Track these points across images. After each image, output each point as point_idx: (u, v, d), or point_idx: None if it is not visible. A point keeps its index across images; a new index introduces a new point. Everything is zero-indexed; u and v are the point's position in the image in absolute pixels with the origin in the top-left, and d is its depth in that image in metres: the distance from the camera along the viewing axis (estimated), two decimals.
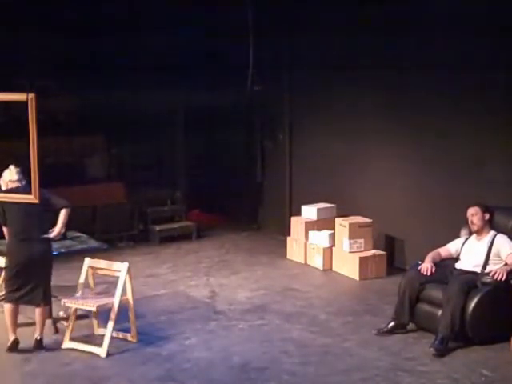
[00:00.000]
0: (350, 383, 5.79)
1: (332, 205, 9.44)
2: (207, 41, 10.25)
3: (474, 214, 6.73)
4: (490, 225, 6.79)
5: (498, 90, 7.46)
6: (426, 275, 6.67)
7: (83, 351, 6.35)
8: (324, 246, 9.02)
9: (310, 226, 9.32)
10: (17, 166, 6.45)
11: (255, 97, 10.71)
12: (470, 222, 6.77)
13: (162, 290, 8.22)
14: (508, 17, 7.23)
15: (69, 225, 6.94)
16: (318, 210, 9.37)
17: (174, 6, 10.05)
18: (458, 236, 7.05)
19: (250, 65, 10.30)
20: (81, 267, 6.68)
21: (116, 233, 10.30)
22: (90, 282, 6.72)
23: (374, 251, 8.73)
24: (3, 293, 6.65)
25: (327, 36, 9.18)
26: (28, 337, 6.43)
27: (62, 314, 6.99)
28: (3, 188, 6.47)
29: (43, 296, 6.39)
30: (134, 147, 10.88)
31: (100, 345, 6.31)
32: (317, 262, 9.08)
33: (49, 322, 6.71)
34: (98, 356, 6.25)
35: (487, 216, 6.77)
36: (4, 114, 9.84)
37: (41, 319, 6.38)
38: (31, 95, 4.18)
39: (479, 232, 6.76)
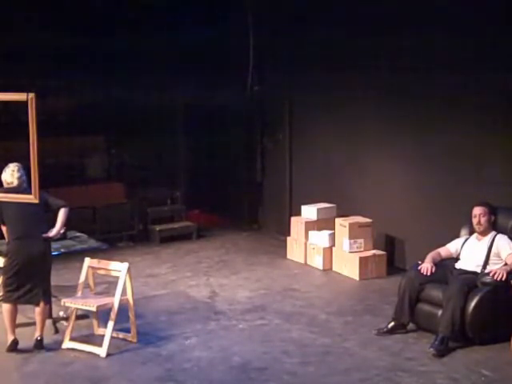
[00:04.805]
0: (350, 383, 5.79)
1: (332, 205, 9.44)
2: (207, 40, 10.24)
3: (483, 215, 6.71)
4: (493, 226, 6.79)
5: (498, 90, 7.45)
6: (426, 275, 6.67)
7: (83, 351, 6.35)
8: (324, 245, 9.02)
9: (310, 225, 9.32)
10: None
11: (255, 97, 10.71)
12: (476, 222, 6.74)
13: (162, 290, 8.22)
14: (508, 16, 7.23)
15: (68, 225, 6.95)
16: (318, 209, 9.37)
17: (174, 6, 10.06)
18: (458, 236, 7.06)
19: (249, 65, 10.31)
20: (81, 267, 6.67)
21: (116, 233, 10.30)
22: (90, 282, 6.72)
23: (373, 251, 8.73)
24: (2, 293, 6.64)
25: (327, 36, 9.17)
26: (28, 337, 6.44)
27: (62, 314, 6.99)
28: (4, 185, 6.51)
29: (43, 295, 6.38)
30: (134, 147, 10.88)
31: (100, 345, 6.30)
32: (317, 261, 9.08)
33: (49, 321, 6.71)
34: (98, 356, 6.25)
35: (493, 218, 6.77)
36: (4, 114, 9.84)
37: (41, 318, 6.38)
38: (31, 95, 4.18)
39: (483, 233, 6.76)
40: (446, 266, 6.82)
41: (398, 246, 8.93)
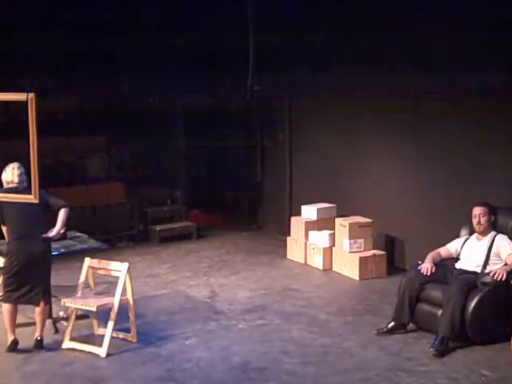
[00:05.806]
0: (350, 383, 5.79)
1: (332, 205, 9.44)
2: (207, 41, 10.24)
3: (483, 215, 6.71)
4: (493, 226, 6.79)
5: (498, 90, 7.45)
6: (426, 275, 6.67)
7: (83, 351, 6.35)
8: (324, 245, 9.02)
9: (310, 225, 9.32)
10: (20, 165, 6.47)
11: (255, 97, 10.71)
12: (476, 222, 6.74)
13: (162, 290, 8.22)
14: (508, 16, 7.23)
15: (68, 225, 6.95)
16: (318, 209, 9.37)
17: (174, 6, 10.06)
18: (458, 236, 7.06)
19: (249, 65, 10.30)
20: (81, 267, 6.67)
21: (116, 233, 10.31)
22: (90, 282, 6.72)
23: (373, 251, 8.73)
24: (2, 293, 6.64)
25: (327, 36, 9.17)
26: (28, 337, 6.44)
27: (62, 314, 6.99)
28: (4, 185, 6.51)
29: (43, 295, 6.39)
30: (134, 147, 10.89)
31: (100, 345, 6.30)
32: (317, 261, 9.08)
33: (49, 321, 6.71)
34: (98, 356, 6.25)
35: (493, 218, 6.77)
36: (4, 114, 9.85)
37: (41, 319, 6.38)
38: (31, 95, 4.17)
39: (483, 233, 6.76)
40: (445, 265, 6.82)
41: (398, 246, 8.93)
